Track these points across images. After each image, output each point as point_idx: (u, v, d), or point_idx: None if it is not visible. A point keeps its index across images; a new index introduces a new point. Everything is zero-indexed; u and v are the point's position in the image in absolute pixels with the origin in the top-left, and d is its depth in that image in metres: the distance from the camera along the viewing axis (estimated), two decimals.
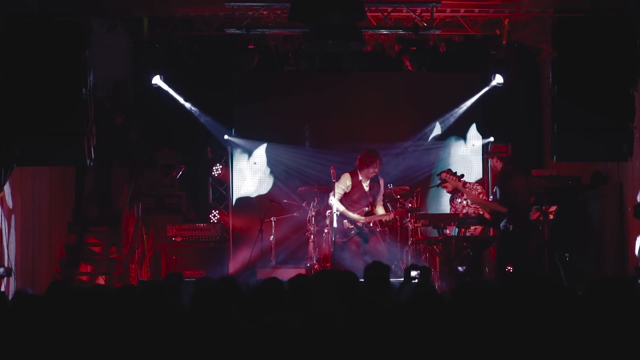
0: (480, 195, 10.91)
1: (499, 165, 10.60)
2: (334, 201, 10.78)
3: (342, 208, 10.81)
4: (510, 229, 10.31)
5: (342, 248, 10.80)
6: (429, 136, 13.04)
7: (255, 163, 13.19)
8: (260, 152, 13.19)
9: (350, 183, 10.85)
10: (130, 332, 4.30)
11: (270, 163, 13.18)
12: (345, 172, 10.93)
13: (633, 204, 10.32)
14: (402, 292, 6.42)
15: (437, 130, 13.06)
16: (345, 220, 10.82)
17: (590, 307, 4.12)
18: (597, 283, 4.26)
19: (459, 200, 11.16)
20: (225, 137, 12.88)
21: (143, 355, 4.16)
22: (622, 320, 3.95)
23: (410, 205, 11.10)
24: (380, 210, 10.94)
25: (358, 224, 10.83)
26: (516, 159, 10.90)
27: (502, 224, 10.42)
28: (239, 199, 13.12)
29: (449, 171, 10.68)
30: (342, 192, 10.85)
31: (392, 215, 10.90)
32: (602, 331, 3.88)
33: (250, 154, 13.17)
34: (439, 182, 11.12)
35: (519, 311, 4.03)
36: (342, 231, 10.83)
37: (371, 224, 10.88)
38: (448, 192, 11.26)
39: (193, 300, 5.03)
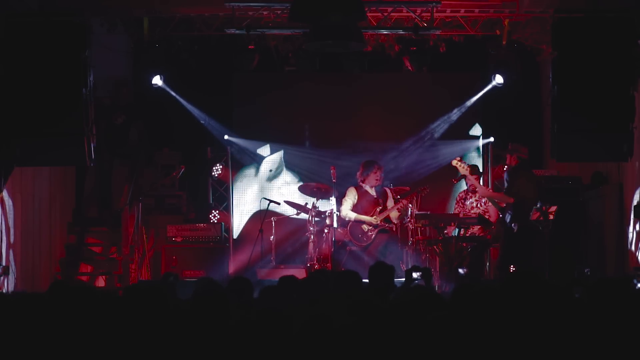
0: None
1: (514, 163, 10.68)
2: (347, 211, 11.13)
3: (353, 215, 11.13)
4: (515, 230, 10.34)
5: (364, 250, 11.05)
6: (435, 135, 12.99)
7: (270, 170, 13.15)
8: (275, 157, 13.14)
9: (356, 193, 11.23)
10: (128, 331, 4.31)
11: (292, 169, 13.14)
12: (350, 187, 11.36)
13: (633, 204, 10.32)
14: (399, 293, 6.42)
15: (477, 130, 13.03)
16: (364, 225, 11.10)
17: (587, 308, 4.12)
18: (595, 284, 4.27)
19: (469, 201, 11.18)
20: (225, 137, 12.87)
21: (142, 355, 4.16)
22: (619, 320, 3.95)
23: (411, 205, 11.15)
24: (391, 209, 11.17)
25: (373, 224, 11.07)
26: (526, 161, 10.94)
27: (507, 221, 10.46)
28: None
29: (460, 159, 10.85)
30: (352, 204, 11.19)
31: (403, 202, 11.03)
32: (599, 331, 3.88)
33: (256, 158, 13.10)
34: (459, 175, 11.15)
35: (517, 311, 4.03)
36: (365, 234, 11.10)
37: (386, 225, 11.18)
38: (472, 188, 11.22)
39: (193, 299, 5.03)
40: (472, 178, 10.81)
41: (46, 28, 9.25)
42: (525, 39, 11.56)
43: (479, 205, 11.12)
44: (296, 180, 13.05)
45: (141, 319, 4.39)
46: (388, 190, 11.40)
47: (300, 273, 10.94)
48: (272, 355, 3.91)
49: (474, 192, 11.18)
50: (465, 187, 11.51)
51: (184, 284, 9.42)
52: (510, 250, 10.44)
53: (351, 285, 5.79)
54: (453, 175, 11.61)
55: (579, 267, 10.41)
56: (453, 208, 11.79)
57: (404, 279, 7.05)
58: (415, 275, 6.77)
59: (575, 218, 11.42)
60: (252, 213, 12.98)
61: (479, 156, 12.99)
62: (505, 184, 10.72)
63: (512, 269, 10.57)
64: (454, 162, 10.85)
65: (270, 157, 13.12)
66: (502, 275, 10.35)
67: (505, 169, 11.10)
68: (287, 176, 13.15)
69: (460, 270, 8.94)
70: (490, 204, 11.02)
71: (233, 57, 11.57)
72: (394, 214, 11.15)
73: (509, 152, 10.87)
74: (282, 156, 13.15)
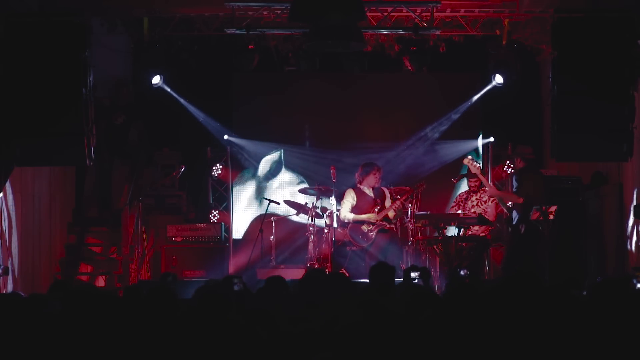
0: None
1: (521, 165, 10.75)
2: (346, 213, 11.16)
3: (351, 216, 11.16)
4: (522, 231, 10.34)
5: (365, 251, 11.08)
6: (435, 135, 12.96)
7: (270, 170, 13.13)
8: (275, 157, 13.12)
9: (355, 194, 11.26)
10: (128, 331, 4.31)
11: (292, 169, 13.13)
12: (348, 188, 11.38)
13: (632, 204, 10.32)
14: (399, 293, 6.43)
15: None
16: (363, 226, 11.11)
17: (587, 308, 4.12)
18: (595, 284, 4.27)
19: (470, 200, 11.18)
20: (225, 137, 12.87)
21: (142, 355, 4.17)
22: (619, 320, 3.95)
23: (410, 205, 11.16)
24: (388, 208, 11.19)
25: (371, 221, 11.10)
26: (533, 162, 10.97)
27: (514, 222, 10.48)
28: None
29: (472, 158, 10.88)
30: (351, 205, 11.23)
31: (398, 202, 11.03)
32: (599, 331, 3.88)
33: (256, 158, 13.09)
34: (465, 172, 11.16)
35: (515, 311, 4.04)
36: (365, 235, 11.12)
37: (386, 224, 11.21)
38: (472, 188, 11.23)
39: (196, 300, 5.03)
40: (482, 177, 10.87)
41: (46, 28, 9.25)
42: (525, 39, 11.57)
43: (479, 204, 11.12)
44: (296, 180, 13.05)
45: (142, 319, 4.39)
46: (386, 190, 11.38)
47: (300, 273, 10.95)
48: (273, 356, 3.91)
49: (475, 192, 11.19)
50: (466, 187, 11.50)
51: (184, 284, 9.43)
52: (517, 251, 10.46)
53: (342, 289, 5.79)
54: (453, 175, 11.61)
55: (591, 276, 10.41)
56: (449, 209, 11.77)
57: (402, 279, 7.06)
58: (413, 275, 6.78)
59: (575, 218, 11.42)
60: (252, 213, 12.98)
61: (478, 156, 12.98)
62: (514, 186, 10.76)
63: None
64: (466, 161, 10.88)
65: (270, 157, 13.11)
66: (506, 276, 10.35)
67: (511, 171, 11.13)
68: (287, 176, 13.14)
69: (462, 272, 8.94)
70: (489, 204, 11.04)
71: (233, 57, 11.58)
72: (392, 214, 11.16)
73: (515, 156, 10.95)
74: (282, 156, 13.14)
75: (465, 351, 3.73)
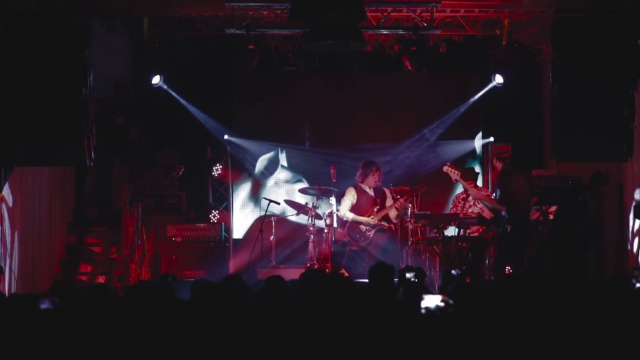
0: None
1: (499, 165, 10.75)
2: (345, 211, 11.18)
3: (351, 216, 11.18)
4: (508, 230, 10.34)
5: (364, 249, 11.11)
6: (434, 135, 12.94)
7: (268, 169, 13.13)
8: (273, 157, 13.11)
9: (355, 193, 11.27)
10: (128, 331, 4.31)
11: (292, 169, 13.10)
12: (349, 186, 11.39)
13: (632, 204, 10.32)
14: (398, 293, 6.44)
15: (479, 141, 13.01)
16: (361, 225, 11.16)
17: (585, 307, 4.12)
18: (594, 284, 4.28)
19: (467, 202, 11.17)
20: (225, 137, 12.87)
21: (142, 355, 4.17)
22: (618, 320, 3.95)
23: (410, 205, 11.17)
24: (389, 207, 11.20)
25: (371, 224, 11.13)
26: (517, 159, 10.95)
27: (501, 223, 10.49)
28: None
29: (450, 165, 10.85)
30: (350, 204, 11.24)
31: (400, 201, 11.03)
32: (598, 331, 3.88)
33: (256, 157, 13.09)
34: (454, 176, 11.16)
35: (514, 312, 4.04)
36: (362, 234, 11.15)
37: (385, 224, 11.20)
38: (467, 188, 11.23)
39: (193, 300, 5.03)
40: (463, 183, 10.84)
41: (46, 28, 9.26)
42: (525, 39, 11.57)
43: (476, 203, 11.11)
44: (293, 179, 13.04)
45: (141, 319, 4.39)
46: (387, 190, 11.41)
47: (300, 273, 10.94)
48: (275, 356, 3.91)
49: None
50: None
51: (184, 284, 9.42)
52: (504, 251, 10.47)
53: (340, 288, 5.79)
54: None
55: (591, 276, 10.40)
56: (449, 209, 11.77)
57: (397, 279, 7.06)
58: (408, 275, 6.79)
59: (575, 218, 11.43)
60: (252, 213, 12.99)
61: (477, 157, 12.97)
62: (498, 191, 10.72)
63: (507, 270, 10.60)
64: (445, 169, 10.85)
65: (266, 156, 13.10)
66: (497, 277, 10.36)
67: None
68: (284, 175, 13.14)
69: (453, 272, 8.97)
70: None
71: (233, 57, 11.58)
72: (392, 214, 11.16)
73: (491, 156, 10.95)
74: (281, 156, 13.13)
75: (463, 351, 3.73)
